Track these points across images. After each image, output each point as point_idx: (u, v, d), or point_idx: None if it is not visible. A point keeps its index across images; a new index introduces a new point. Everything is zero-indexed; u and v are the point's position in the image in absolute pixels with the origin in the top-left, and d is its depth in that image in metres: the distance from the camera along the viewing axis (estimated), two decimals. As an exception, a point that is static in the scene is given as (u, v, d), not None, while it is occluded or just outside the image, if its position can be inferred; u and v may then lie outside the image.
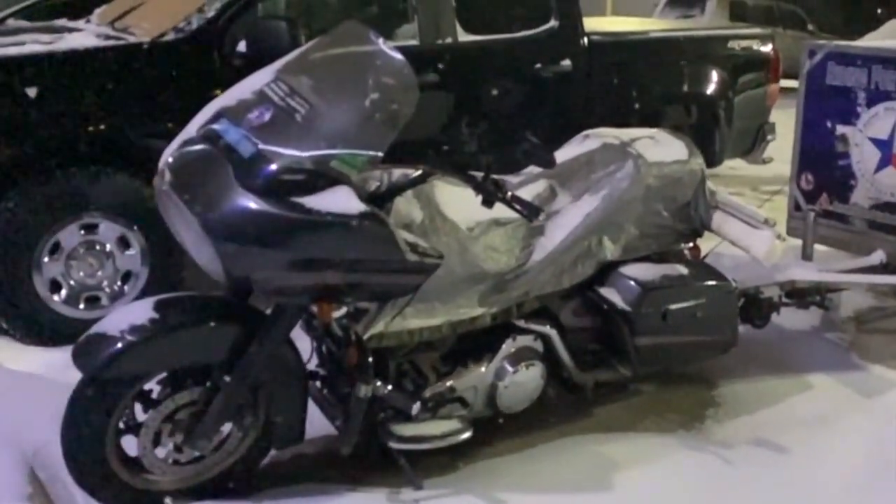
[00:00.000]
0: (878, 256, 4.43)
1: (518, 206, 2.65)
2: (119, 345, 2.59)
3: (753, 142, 6.48)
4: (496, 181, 2.66)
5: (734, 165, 6.88)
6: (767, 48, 6.36)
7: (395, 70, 2.66)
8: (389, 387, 2.86)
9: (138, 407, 2.75)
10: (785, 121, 6.40)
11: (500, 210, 2.72)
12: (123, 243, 4.09)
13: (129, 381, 2.65)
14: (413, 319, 2.82)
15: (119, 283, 4.12)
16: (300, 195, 2.48)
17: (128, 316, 2.70)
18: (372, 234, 2.55)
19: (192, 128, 2.79)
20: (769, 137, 6.50)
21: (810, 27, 15.83)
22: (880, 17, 16.07)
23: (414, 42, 4.70)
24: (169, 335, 2.66)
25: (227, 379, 2.69)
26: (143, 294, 4.07)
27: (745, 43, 6.24)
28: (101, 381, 2.62)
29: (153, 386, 2.75)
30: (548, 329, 3.14)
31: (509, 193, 2.66)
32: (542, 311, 3.14)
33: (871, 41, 4.83)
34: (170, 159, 2.73)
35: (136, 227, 4.07)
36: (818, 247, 4.40)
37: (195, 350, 2.70)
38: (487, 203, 2.65)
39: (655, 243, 3.31)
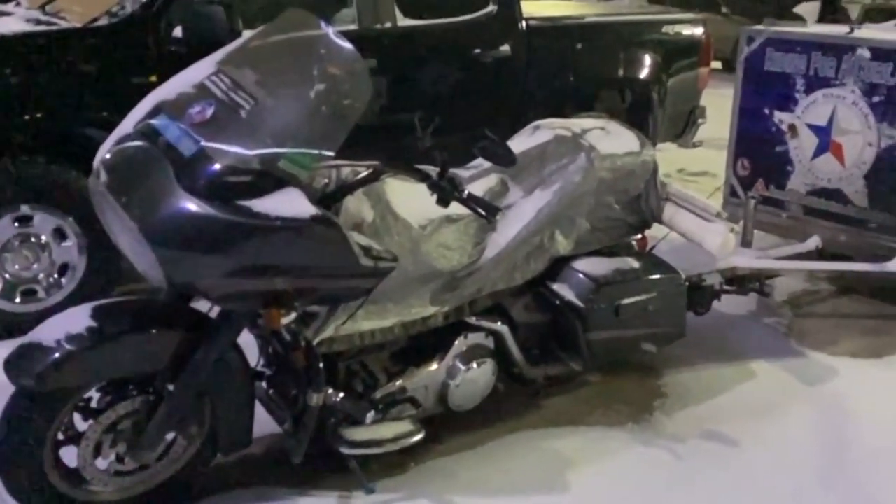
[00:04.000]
0: (813, 242, 4.49)
1: (477, 207, 2.57)
2: (56, 355, 2.43)
3: (685, 125, 6.53)
4: (452, 179, 2.57)
5: (662, 148, 6.93)
6: (699, 32, 6.40)
7: (345, 61, 2.54)
8: (341, 394, 2.78)
9: (78, 416, 2.62)
10: (709, 103, 6.49)
11: (453, 206, 2.65)
12: (59, 235, 3.95)
13: (67, 393, 2.52)
14: (364, 322, 2.74)
15: (56, 275, 3.98)
16: (246, 198, 2.32)
17: (64, 324, 2.54)
18: (324, 238, 2.42)
19: (129, 123, 2.63)
20: (700, 121, 6.56)
21: (724, 10, 16.06)
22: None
23: (353, 26, 4.58)
24: (109, 344, 2.51)
25: (171, 388, 2.57)
26: (81, 286, 3.96)
27: (678, 27, 6.27)
28: (38, 395, 2.48)
29: (93, 394, 2.62)
30: (499, 326, 3.10)
31: (466, 192, 2.58)
32: (493, 308, 3.10)
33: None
34: (106, 157, 2.57)
35: (71, 218, 3.93)
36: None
37: (137, 359, 2.56)
38: (443, 202, 2.57)
39: (606, 237, 3.29)
